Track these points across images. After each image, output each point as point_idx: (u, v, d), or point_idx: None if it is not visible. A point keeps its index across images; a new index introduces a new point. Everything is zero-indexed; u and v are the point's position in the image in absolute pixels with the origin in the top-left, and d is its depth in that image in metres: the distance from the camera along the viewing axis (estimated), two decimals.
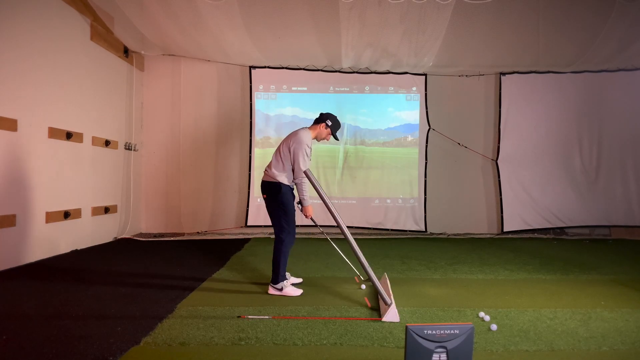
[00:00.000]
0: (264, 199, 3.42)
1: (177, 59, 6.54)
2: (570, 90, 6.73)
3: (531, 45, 5.95)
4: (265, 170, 3.43)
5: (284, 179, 3.32)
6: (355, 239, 3.26)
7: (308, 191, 3.33)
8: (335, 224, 3.26)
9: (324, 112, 3.56)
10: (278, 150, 3.41)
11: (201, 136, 6.70)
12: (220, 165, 6.75)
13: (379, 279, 3.20)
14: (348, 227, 3.38)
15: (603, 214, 6.70)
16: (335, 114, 3.58)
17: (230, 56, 6.38)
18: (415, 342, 1.76)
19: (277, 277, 3.31)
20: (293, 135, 3.38)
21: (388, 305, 2.79)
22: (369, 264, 3.14)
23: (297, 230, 3.57)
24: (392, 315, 2.70)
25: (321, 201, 3.26)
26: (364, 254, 3.16)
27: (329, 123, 3.47)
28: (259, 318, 2.70)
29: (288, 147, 3.32)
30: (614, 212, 6.69)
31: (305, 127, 3.48)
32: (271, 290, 3.32)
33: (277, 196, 3.32)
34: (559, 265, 4.49)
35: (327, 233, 3.91)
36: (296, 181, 3.32)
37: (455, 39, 5.65)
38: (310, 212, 3.38)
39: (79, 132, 5.06)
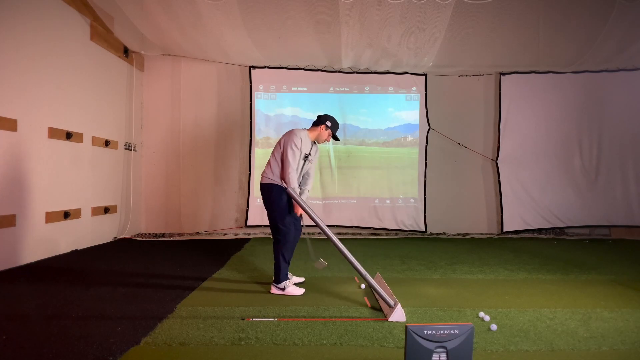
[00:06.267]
0: (263, 201, 3.43)
1: (177, 59, 6.53)
2: (570, 90, 6.73)
3: (531, 45, 5.95)
4: (262, 172, 3.45)
5: (278, 179, 3.33)
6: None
7: (297, 186, 3.29)
8: (315, 224, 3.21)
9: (321, 114, 3.56)
10: (273, 151, 3.43)
11: (201, 136, 6.70)
12: (220, 165, 6.75)
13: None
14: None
15: (603, 214, 6.70)
16: (335, 114, 3.59)
17: (230, 56, 6.38)
18: (415, 342, 1.76)
19: (279, 277, 3.32)
20: (286, 133, 3.41)
21: (391, 306, 2.78)
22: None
23: None
24: (398, 314, 2.71)
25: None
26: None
27: (329, 124, 3.47)
28: (262, 320, 2.70)
29: (280, 146, 3.35)
30: (614, 212, 6.69)
31: (303, 128, 3.51)
32: (274, 290, 3.33)
33: (272, 197, 3.33)
34: (559, 265, 4.49)
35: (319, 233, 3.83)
36: (283, 175, 3.27)
37: (455, 39, 5.65)
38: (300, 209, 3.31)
39: (79, 132, 5.06)
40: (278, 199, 3.32)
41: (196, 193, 6.69)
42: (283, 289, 3.30)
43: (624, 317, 2.82)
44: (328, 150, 6.70)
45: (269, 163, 3.41)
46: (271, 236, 3.48)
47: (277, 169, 3.34)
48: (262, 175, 3.44)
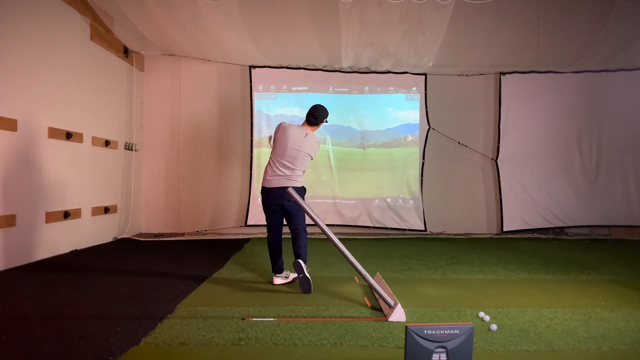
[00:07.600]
0: (292, 201, 3.33)
1: (177, 59, 6.53)
2: (570, 90, 6.72)
3: (531, 45, 5.95)
4: (286, 175, 3.45)
5: (299, 181, 3.51)
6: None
7: None
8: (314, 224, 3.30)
9: (314, 111, 3.63)
10: (293, 154, 3.45)
11: (201, 136, 6.70)
12: (220, 165, 6.75)
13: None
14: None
15: (603, 214, 6.70)
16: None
17: (230, 56, 6.38)
18: (415, 342, 1.76)
19: (282, 267, 3.52)
20: (315, 144, 3.56)
21: (391, 306, 2.78)
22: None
23: None
24: (398, 314, 2.71)
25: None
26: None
27: (327, 122, 3.66)
28: (262, 320, 2.70)
29: (309, 152, 3.48)
30: (614, 212, 6.69)
31: (308, 131, 3.58)
32: (277, 281, 3.46)
33: (303, 196, 3.42)
34: (559, 265, 4.49)
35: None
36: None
37: (455, 39, 5.64)
38: None
39: (79, 132, 5.06)
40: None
41: (196, 193, 6.69)
42: (287, 277, 3.47)
43: (624, 317, 2.82)
44: (328, 150, 6.70)
45: (297, 164, 3.45)
46: None
47: (301, 171, 3.49)
48: (290, 178, 3.44)
